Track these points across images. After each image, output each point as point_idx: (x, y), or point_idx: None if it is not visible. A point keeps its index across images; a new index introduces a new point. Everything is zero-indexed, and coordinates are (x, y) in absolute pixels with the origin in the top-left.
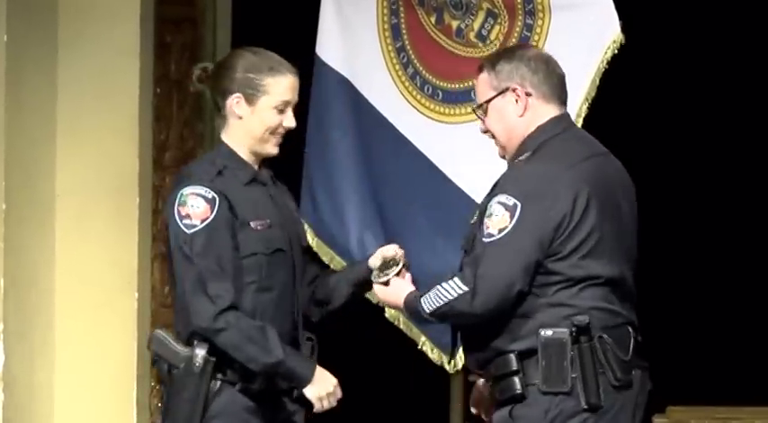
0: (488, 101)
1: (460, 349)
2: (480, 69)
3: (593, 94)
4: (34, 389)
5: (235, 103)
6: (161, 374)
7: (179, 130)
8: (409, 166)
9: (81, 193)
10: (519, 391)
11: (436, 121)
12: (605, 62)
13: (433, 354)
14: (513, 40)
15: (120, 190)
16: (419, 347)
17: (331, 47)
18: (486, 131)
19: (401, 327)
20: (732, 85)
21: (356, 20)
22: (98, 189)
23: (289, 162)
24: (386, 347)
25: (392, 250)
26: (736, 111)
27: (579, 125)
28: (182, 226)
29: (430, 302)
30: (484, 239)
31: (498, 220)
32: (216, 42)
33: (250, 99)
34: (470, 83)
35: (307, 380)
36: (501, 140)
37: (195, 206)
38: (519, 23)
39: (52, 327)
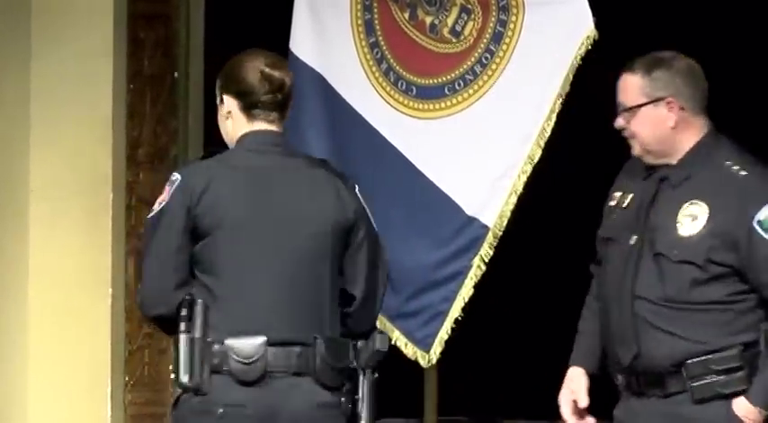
0: (639, 106)
1: (436, 344)
2: (631, 70)
3: (566, 89)
4: (8, 386)
5: None
6: None
7: (152, 127)
8: (383, 161)
9: (54, 190)
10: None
11: (410, 117)
12: (579, 58)
13: (407, 349)
14: (487, 35)
15: (94, 187)
16: (392, 342)
17: (305, 43)
18: (622, 129)
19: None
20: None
21: (329, 15)
22: (72, 186)
23: None
24: None
25: None
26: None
27: (552, 121)
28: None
29: None
30: None
31: None
32: (189, 38)
33: None
34: (444, 78)
35: None
36: (648, 145)
37: None
38: (492, 19)
39: (26, 323)
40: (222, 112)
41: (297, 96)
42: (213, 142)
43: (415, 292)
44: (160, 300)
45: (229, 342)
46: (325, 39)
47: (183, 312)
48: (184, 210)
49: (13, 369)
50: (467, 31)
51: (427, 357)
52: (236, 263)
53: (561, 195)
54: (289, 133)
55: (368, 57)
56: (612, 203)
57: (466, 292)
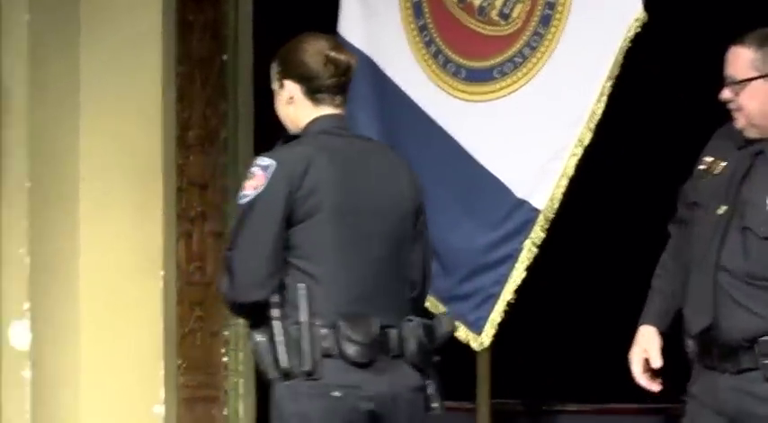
0: (749, 80)
1: (488, 327)
2: (742, 43)
3: (616, 72)
4: (61, 368)
5: None
6: None
7: (202, 110)
8: (432, 144)
9: (105, 173)
10: None
11: (460, 99)
12: (628, 40)
13: (460, 332)
14: (536, 18)
15: (144, 170)
16: None
17: (353, 26)
18: (729, 102)
19: (426, 304)
20: None
21: None
22: (122, 169)
23: None
24: None
25: None
26: None
27: (602, 104)
28: None
29: None
30: None
31: None
32: (238, 21)
33: None
34: (493, 61)
35: None
36: (754, 119)
37: None
38: (541, 2)
39: (78, 306)
40: (282, 97)
41: None
42: (263, 124)
43: (467, 275)
44: (256, 286)
45: (342, 325)
46: (373, 22)
47: (275, 299)
48: (284, 195)
49: (66, 352)
50: (515, 14)
51: (479, 340)
52: (337, 246)
53: (612, 178)
54: None
55: (417, 39)
56: (702, 167)
57: (517, 275)
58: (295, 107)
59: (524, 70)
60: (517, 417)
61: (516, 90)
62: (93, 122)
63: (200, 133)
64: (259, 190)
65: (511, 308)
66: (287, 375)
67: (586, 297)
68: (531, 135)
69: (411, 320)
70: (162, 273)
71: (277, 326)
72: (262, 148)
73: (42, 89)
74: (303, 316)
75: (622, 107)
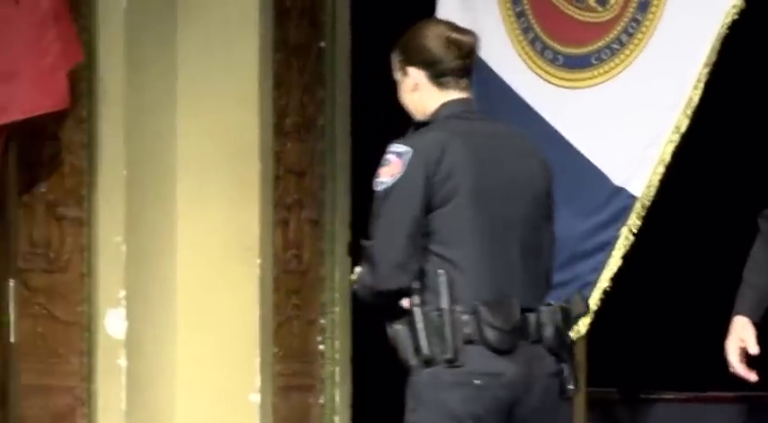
0: None
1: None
2: None
3: (713, 58)
4: (157, 356)
5: None
6: None
7: (299, 96)
8: (531, 131)
9: (202, 161)
10: None
11: (557, 85)
12: (725, 27)
13: None
14: (633, 4)
15: (241, 157)
16: None
17: (451, 13)
18: None
19: None
20: None
21: None
22: (219, 156)
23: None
24: None
25: None
26: None
27: (699, 91)
28: None
29: None
30: None
31: None
32: (335, 7)
33: None
34: (591, 47)
35: None
36: None
37: None
38: None
39: (174, 294)
40: (407, 85)
41: None
42: (360, 111)
43: (565, 262)
44: (398, 272)
45: (483, 311)
46: (471, 9)
47: (416, 285)
48: (422, 180)
49: (162, 340)
50: (613, 0)
51: (576, 328)
52: (475, 231)
53: (708, 165)
54: None
55: (514, 26)
56: None
57: (614, 262)
58: (420, 94)
59: (622, 57)
60: (613, 405)
61: (613, 76)
62: (190, 110)
63: (297, 120)
64: (396, 177)
65: (607, 296)
66: (428, 362)
67: (681, 284)
68: (628, 122)
69: (549, 305)
70: (258, 260)
71: (418, 313)
72: (359, 135)
73: (139, 78)
74: (444, 302)
75: (719, 94)
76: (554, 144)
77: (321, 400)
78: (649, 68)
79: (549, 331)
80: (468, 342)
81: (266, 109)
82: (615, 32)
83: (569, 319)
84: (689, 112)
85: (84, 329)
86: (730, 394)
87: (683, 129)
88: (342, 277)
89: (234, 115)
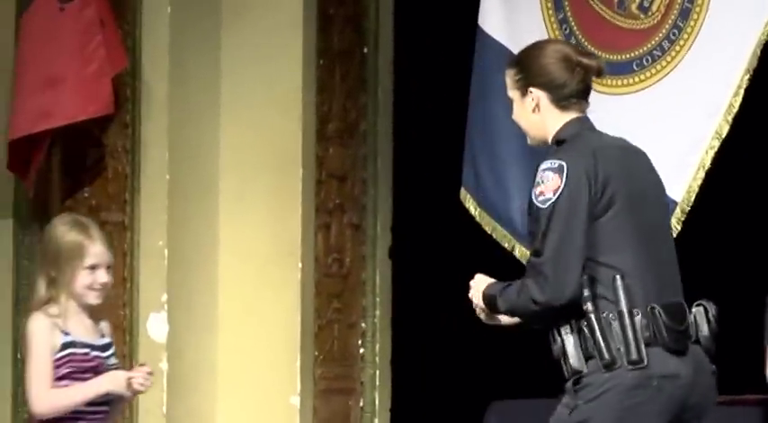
0: None
1: None
2: None
3: (754, 64)
4: (198, 360)
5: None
6: None
7: (342, 102)
8: None
9: (244, 166)
10: None
11: (598, 92)
12: (766, 34)
13: None
14: (675, 11)
15: (284, 162)
16: None
17: (493, 18)
18: None
19: None
20: None
21: None
22: (261, 161)
23: (449, 134)
24: None
25: None
26: None
27: (740, 97)
28: None
29: None
30: None
31: None
32: (379, 14)
33: None
34: (632, 54)
35: None
36: None
37: None
38: None
39: (215, 298)
40: (527, 105)
41: (485, 71)
42: (402, 117)
43: None
44: (571, 286)
45: (659, 313)
46: (513, 15)
47: (586, 292)
48: (586, 192)
49: (203, 344)
50: (654, 7)
51: None
52: (635, 237)
53: (749, 172)
54: (475, 105)
55: (557, 33)
56: None
57: None
58: (541, 115)
59: (663, 63)
60: None
61: (655, 83)
62: (233, 115)
63: (339, 126)
64: (560, 191)
65: None
66: (608, 366)
67: (720, 288)
68: (669, 127)
69: (701, 305)
70: (300, 264)
71: (593, 319)
72: (401, 140)
73: (182, 82)
74: (623, 306)
75: (760, 100)
76: None
77: (361, 403)
78: (690, 74)
79: (704, 330)
80: (647, 344)
81: (309, 115)
82: (657, 39)
83: (717, 320)
84: (729, 118)
85: (125, 333)
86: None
87: (724, 134)
88: (382, 281)
89: (277, 121)
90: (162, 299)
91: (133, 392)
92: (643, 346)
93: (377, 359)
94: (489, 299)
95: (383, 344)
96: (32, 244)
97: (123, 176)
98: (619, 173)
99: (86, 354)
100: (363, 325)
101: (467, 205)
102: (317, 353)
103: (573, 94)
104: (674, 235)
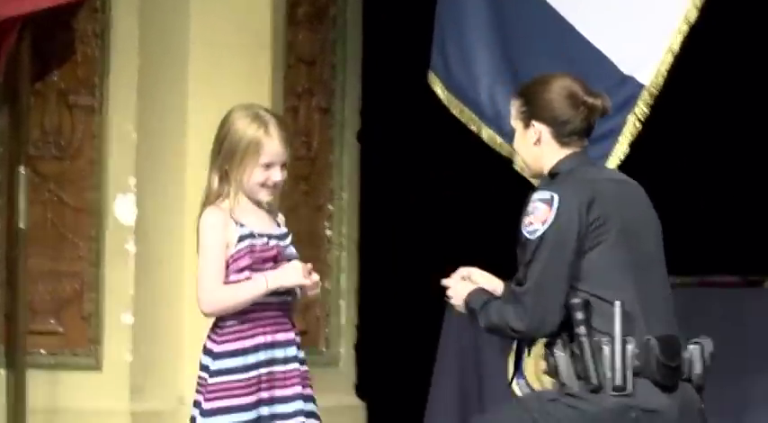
0: None
1: None
2: None
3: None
4: (165, 242)
5: None
6: None
7: None
8: (538, 19)
9: (214, 48)
10: None
11: None
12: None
13: None
14: None
15: (253, 46)
16: None
17: None
18: None
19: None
20: None
21: None
22: (231, 45)
23: (418, 18)
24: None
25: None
26: None
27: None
28: None
29: None
30: None
31: None
32: None
33: None
34: None
35: None
36: None
37: None
38: None
39: (183, 182)
40: (529, 137)
41: None
42: (371, 2)
43: None
44: (552, 318)
45: (653, 345)
46: None
47: (580, 316)
48: (577, 225)
49: (171, 226)
50: None
51: None
52: (628, 270)
53: (719, 56)
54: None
55: None
56: None
57: (621, 149)
58: (541, 148)
59: None
60: None
61: None
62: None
63: (308, 10)
64: (548, 223)
65: None
66: (594, 391)
67: (688, 173)
68: (637, 11)
69: (698, 343)
70: None
71: (585, 343)
72: (370, 24)
73: None
74: (617, 333)
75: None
76: (562, 33)
77: (327, 285)
78: None
79: (698, 369)
80: (636, 374)
81: None
82: None
83: (709, 357)
84: (698, 3)
85: (93, 215)
86: (732, 279)
87: (693, 19)
88: (350, 164)
89: (246, 5)
90: (130, 182)
91: (312, 283)
92: (631, 375)
93: (344, 242)
94: (470, 311)
95: (350, 226)
96: (2, 128)
97: (92, 60)
98: (615, 206)
99: (266, 243)
100: (330, 207)
101: (434, 88)
102: None
103: (575, 132)
104: (642, 118)
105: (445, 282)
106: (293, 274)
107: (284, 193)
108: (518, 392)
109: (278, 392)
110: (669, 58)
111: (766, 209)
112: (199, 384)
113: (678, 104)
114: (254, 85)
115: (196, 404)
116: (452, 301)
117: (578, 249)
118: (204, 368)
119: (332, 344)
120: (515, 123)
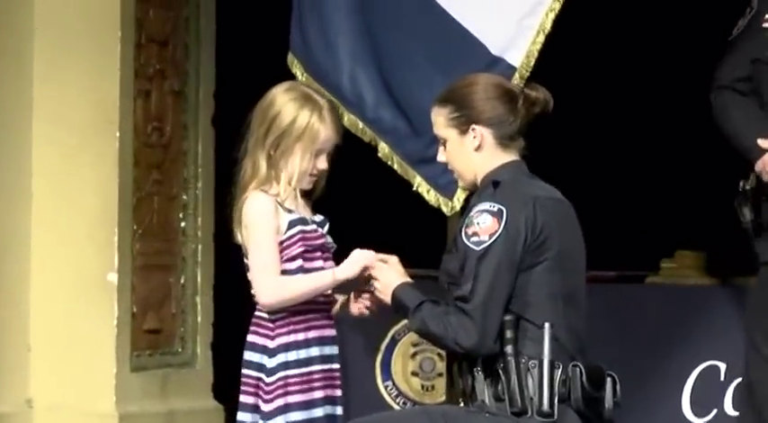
0: None
1: (458, 191)
2: None
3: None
4: (9, 235)
5: None
6: None
7: None
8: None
9: (60, 27)
10: None
11: None
12: None
13: (430, 195)
14: None
15: (102, 24)
16: (415, 188)
17: None
18: None
19: (395, 167)
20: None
21: None
22: (78, 23)
23: None
24: (380, 190)
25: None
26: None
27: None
28: None
29: None
30: None
31: None
32: None
33: None
34: None
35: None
36: None
37: None
38: None
39: (29, 166)
40: (468, 144)
41: None
42: None
43: None
44: (494, 334)
45: (579, 374)
46: None
47: (509, 334)
48: (522, 240)
49: (15, 214)
50: None
51: (450, 205)
52: (559, 292)
53: (591, 34)
54: None
55: None
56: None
57: None
58: (482, 154)
59: None
60: None
61: None
62: None
63: None
64: (496, 236)
65: None
66: (518, 414)
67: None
68: None
69: (610, 375)
70: (118, 133)
71: (512, 363)
72: (225, 1)
73: None
74: (546, 356)
75: None
76: (429, 13)
77: (182, 280)
78: None
79: (609, 403)
80: (561, 400)
81: None
82: None
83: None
84: None
85: None
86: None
87: None
88: (205, 151)
89: None
90: None
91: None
92: (557, 401)
93: (199, 233)
94: (399, 306)
95: (205, 217)
96: None
97: None
98: (554, 226)
99: (315, 230)
100: (185, 197)
101: (293, 70)
102: (135, 227)
103: (517, 131)
104: None
105: (374, 271)
106: (361, 258)
107: (135, 181)
108: (385, 395)
109: (337, 392)
110: (541, 38)
111: (648, 203)
112: (248, 385)
113: (552, 90)
114: (102, 66)
115: (250, 408)
116: (378, 293)
117: (521, 266)
118: (258, 367)
119: (188, 343)
120: (445, 132)
